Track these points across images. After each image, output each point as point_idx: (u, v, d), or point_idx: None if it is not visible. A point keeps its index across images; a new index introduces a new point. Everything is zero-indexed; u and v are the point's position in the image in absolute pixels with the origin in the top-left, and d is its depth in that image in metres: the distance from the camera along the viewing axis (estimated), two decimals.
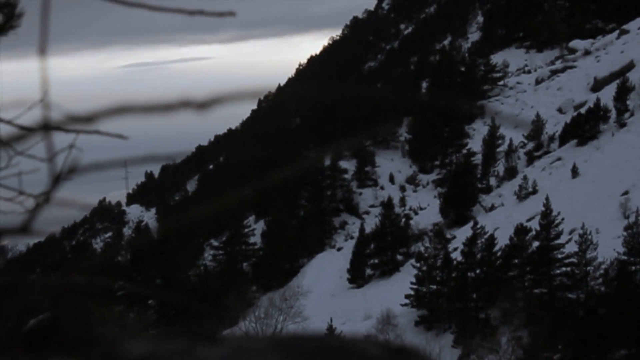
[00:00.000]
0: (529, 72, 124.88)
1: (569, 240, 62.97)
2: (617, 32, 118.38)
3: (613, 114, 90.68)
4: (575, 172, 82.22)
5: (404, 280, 72.42)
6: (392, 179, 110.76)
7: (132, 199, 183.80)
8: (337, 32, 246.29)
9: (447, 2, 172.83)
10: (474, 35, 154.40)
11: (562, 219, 62.46)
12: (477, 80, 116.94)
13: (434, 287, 67.66)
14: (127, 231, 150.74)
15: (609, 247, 59.22)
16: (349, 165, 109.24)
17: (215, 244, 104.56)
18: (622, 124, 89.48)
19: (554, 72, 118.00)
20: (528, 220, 69.97)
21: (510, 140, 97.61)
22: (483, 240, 66.61)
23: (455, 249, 70.21)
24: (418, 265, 69.59)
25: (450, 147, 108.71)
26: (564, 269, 61.36)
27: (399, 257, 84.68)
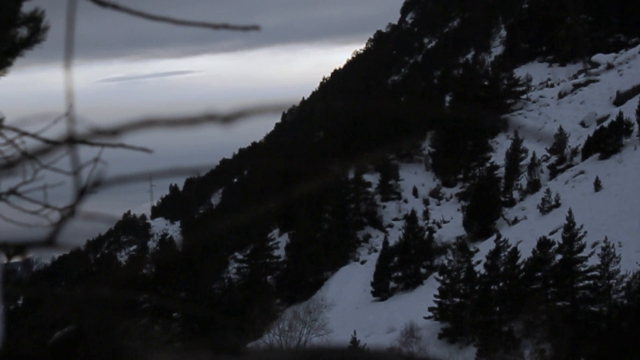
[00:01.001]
0: (552, 85, 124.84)
1: (592, 253, 62.72)
2: (639, 46, 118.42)
3: (636, 128, 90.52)
4: (597, 185, 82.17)
5: (428, 293, 72.50)
6: (415, 193, 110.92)
7: (156, 212, 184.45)
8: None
9: (471, 16, 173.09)
10: (497, 49, 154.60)
11: (585, 232, 62.36)
12: (500, 94, 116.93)
13: (457, 300, 67.59)
14: (151, 244, 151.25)
15: (631, 260, 59.30)
16: (372, 178, 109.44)
17: (240, 257, 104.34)
18: None
19: (577, 86, 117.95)
20: (551, 234, 69.80)
21: (533, 153, 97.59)
22: (506, 253, 66.31)
23: (479, 262, 69.98)
24: (441, 278, 69.65)
25: (473, 160, 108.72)
26: (586, 282, 61.19)
27: (423, 270, 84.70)
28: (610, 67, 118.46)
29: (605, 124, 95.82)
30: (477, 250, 76.37)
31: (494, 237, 70.20)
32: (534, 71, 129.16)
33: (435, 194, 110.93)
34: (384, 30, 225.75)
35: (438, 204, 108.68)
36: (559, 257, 62.96)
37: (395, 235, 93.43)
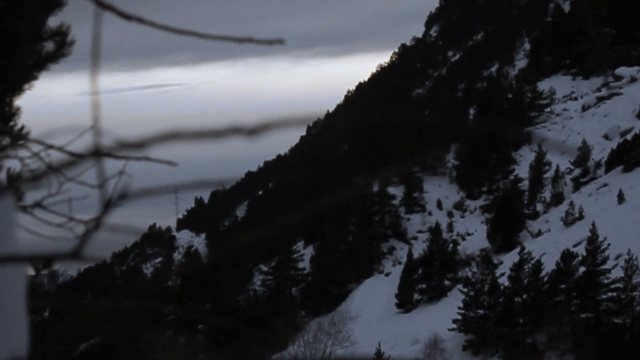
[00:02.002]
0: (576, 99, 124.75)
1: (615, 265, 62.90)
2: None
3: None
4: (621, 198, 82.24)
5: (452, 305, 72.73)
6: (439, 205, 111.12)
7: (182, 224, 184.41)
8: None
9: (495, 29, 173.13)
10: (521, 63, 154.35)
11: (608, 245, 62.58)
12: (524, 107, 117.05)
13: (481, 311, 67.89)
14: (177, 256, 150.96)
15: None
16: (397, 191, 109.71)
17: (265, 269, 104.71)
18: None
19: (600, 99, 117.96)
20: (574, 246, 69.89)
21: (557, 166, 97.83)
22: (530, 265, 66.78)
23: (503, 274, 70.26)
24: (465, 290, 69.93)
25: (497, 173, 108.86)
26: (610, 294, 61.50)
27: (447, 282, 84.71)
28: (633, 80, 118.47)
29: (629, 136, 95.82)
30: (501, 263, 76.32)
31: (518, 249, 70.74)
32: (557, 84, 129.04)
33: (459, 206, 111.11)
34: (408, 43, 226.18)
35: (462, 217, 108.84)
36: (582, 269, 63.28)
37: (419, 248, 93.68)
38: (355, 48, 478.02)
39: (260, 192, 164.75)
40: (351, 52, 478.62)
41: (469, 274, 73.51)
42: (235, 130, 0.92)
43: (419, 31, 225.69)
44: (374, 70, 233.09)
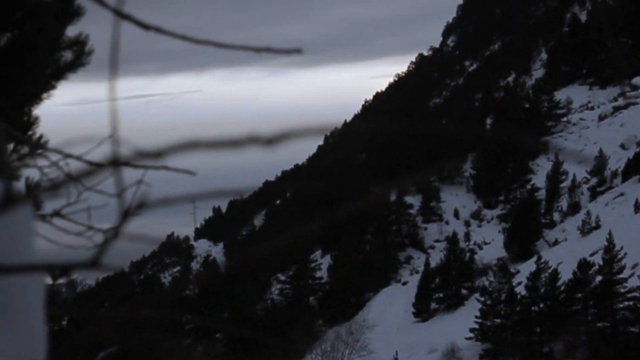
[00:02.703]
0: (592, 108, 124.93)
1: (632, 274, 62.87)
2: None
3: None
4: (637, 207, 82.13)
5: (469, 314, 72.75)
6: (456, 214, 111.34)
7: (200, 233, 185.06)
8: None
9: (512, 39, 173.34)
10: (538, 72, 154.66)
11: (625, 254, 62.47)
12: (541, 116, 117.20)
13: (499, 320, 67.74)
14: (195, 265, 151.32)
15: None
16: (414, 200, 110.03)
17: (282, 278, 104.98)
18: None
19: (617, 109, 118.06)
20: (591, 255, 69.73)
21: (574, 175, 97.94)
22: (547, 274, 66.47)
23: (519, 283, 70.15)
24: (482, 299, 69.84)
25: (514, 182, 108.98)
26: (626, 303, 61.37)
27: (464, 291, 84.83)
28: None
29: None
30: (518, 272, 76.31)
31: (535, 258, 70.52)
32: (574, 94, 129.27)
33: (476, 215, 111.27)
34: (425, 53, 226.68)
35: (479, 226, 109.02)
36: (599, 278, 63.06)
37: (436, 257, 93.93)
38: (323, 58, 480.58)
39: (277, 202, 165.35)
40: (320, 62, 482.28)
41: (486, 283, 73.26)
42: (253, 140, 0.91)
43: (435, 41, 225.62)
44: (392, 80, 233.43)
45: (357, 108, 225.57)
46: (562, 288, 65.15)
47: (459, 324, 72.52)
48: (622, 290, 61.91)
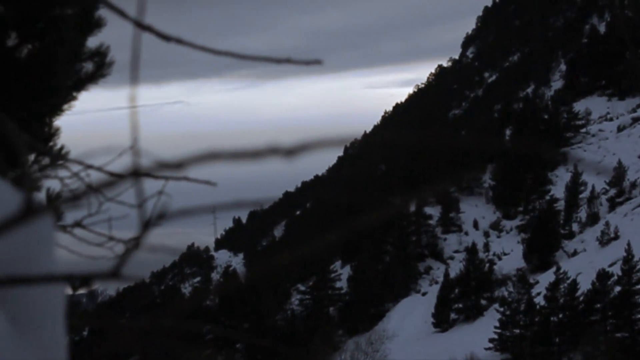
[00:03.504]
0: (611, 119, 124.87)
1: None
2: None
3: None
4: None
5: (488, 324, 72.82)
6: (476, 225, 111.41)
7: (220, 244, 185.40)
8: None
9: (531, 50, 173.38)
10: (556, 84, 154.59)
11: None
12: (560, 127, 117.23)
13: (518, 331, 67.94)
14: (215, 276, 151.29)
15: None
16: (433, 211, 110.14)
17: (302, 288, 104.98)
18: None
19: (636, 120, 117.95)
20: (610, 266, 69.93)
21: (593, 186, 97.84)
22: (566, 285, 66.80)
23: (539, 294, 70.20)
24: (502, 309, 69.87)
25: (533, 193, 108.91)
26: None
27: (483, 302, 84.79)
28: None
29: None
30: (537, 282, 76.51)
31: (554, 269, 70.59)
32: (593, 105, 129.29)
33: (495, 226, 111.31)
34: (444, 64, 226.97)
35: (498, 237, 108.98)
36: (618, 289, 63.19)
37: (456, 267, 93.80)
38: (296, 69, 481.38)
39: (298, 212, 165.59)
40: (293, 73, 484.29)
41: (505, 293, 73.14)
42: (273, 151, 0.91)
43: (455, 52, 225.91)
44: (411, 91, 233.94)
45: (350, 117, 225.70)
46: (581, 298, 65.35)
47: (479, 335, 72.52)
48: None
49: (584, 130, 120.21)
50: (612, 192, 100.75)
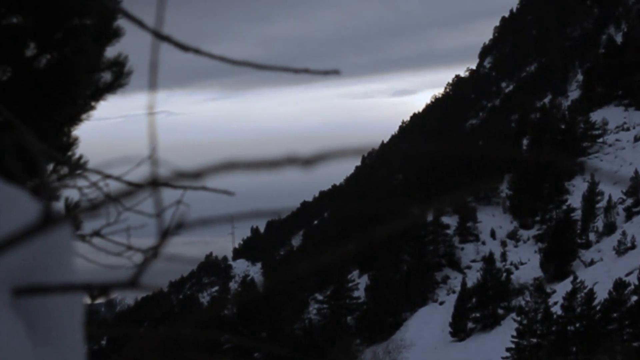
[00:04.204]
0: (628, 129, 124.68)
1: None
2: None
3: None
4: None
5: (505, 333, 72.81)
6: (493, 235, 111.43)
7: (238, 253, 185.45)
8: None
9: (548, 60, 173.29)
10: (573, 94, 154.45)
11: None
12: (577, 137, 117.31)
13: (535, 340, 67.77)
14: (233, 285, 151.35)
15: None
16: (451, 220, 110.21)
17: (320, 297, 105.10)
18: None
19: None
20: (627, 275, 69.85)
21: (610, 196, 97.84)
22: (582, 294, 66.64)
23: (556, 303, 70.18)
24: (519, 319, 69.71)
25: (550, 203, 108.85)
26: None
27: (500, 311, 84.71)
28: None
29: None
30: (554, 292, 76.50)
31: (571, 278, 70.73)
32: (610, 115, 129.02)
33: (512, 236, 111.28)
34: (462, 74, 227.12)
35: (515, 246, 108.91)
36: (634, 298, 63.18)
37: (473, 277, 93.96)
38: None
39: (315, 222, 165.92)
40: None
41: (522, 302, 73.07)
42: (291, 161, 0.90)
43: (472, 62, 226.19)
44: (428, 101, 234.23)
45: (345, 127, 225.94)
46: (598, 308, 65.26)
47: (496, 344, 72.48)
48: None
49: (600, 140, 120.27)
50: (629, 201, 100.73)
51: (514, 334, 69.26)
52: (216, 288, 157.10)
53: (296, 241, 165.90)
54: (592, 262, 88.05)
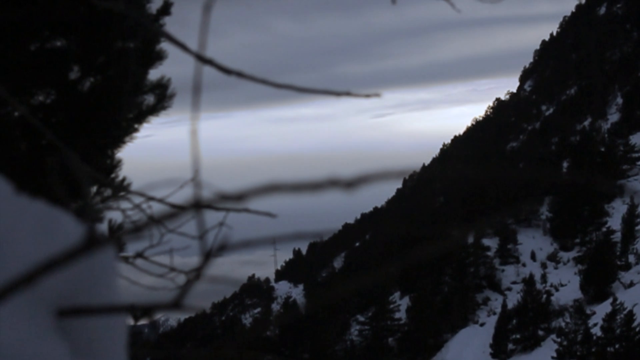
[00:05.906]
0: None
1: None
2: None
3: None
4: None
5: (545, 354, 73.36)
6: (533, 256, 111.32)
7: (280, 275, 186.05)
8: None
9: (588, 83, 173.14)
10: (613, 117, 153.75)
11: None
12: (617, 160, 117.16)
13: None
14: (275, 307, 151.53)
15: None
16: (491, 242, 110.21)
17: (362, 319, 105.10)
18: None
19: None
20: None
21: None
22: (622, 316, 66.98)
23: (595, 325, 70.03)
24: (559, 340, 70.17)
25: (590, 225, 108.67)
26: None
27: (540, 332, 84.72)
28: None
29: None
30: (594, 313, 76.28)
31: (610, 300, 70.85)
32: None
33: (552, 257, 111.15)
34: (502, 97, 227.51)
35: (555, 268, 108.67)
36: None
37: (513, 298, 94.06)
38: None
39: (357, 244, 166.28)
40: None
41: (562, 324, 73.41)
42: (333, 183, 0.90)
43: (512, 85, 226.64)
44: (469, 124, 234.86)
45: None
46: (638, 329, 65.63)
47: None
48: None
49: None
50: None
51: (554, 355, 69.80)
52: (258, 309, 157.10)
53: (338, 263, 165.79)
54: (631, 284, 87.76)
